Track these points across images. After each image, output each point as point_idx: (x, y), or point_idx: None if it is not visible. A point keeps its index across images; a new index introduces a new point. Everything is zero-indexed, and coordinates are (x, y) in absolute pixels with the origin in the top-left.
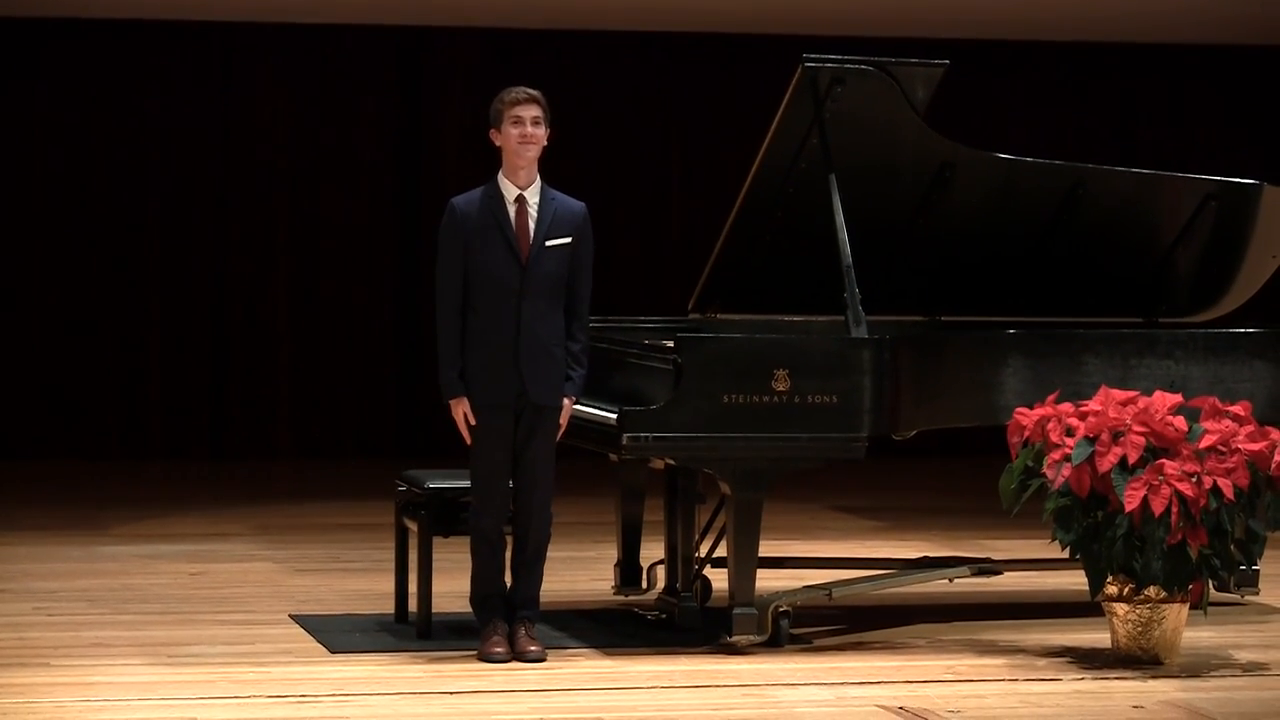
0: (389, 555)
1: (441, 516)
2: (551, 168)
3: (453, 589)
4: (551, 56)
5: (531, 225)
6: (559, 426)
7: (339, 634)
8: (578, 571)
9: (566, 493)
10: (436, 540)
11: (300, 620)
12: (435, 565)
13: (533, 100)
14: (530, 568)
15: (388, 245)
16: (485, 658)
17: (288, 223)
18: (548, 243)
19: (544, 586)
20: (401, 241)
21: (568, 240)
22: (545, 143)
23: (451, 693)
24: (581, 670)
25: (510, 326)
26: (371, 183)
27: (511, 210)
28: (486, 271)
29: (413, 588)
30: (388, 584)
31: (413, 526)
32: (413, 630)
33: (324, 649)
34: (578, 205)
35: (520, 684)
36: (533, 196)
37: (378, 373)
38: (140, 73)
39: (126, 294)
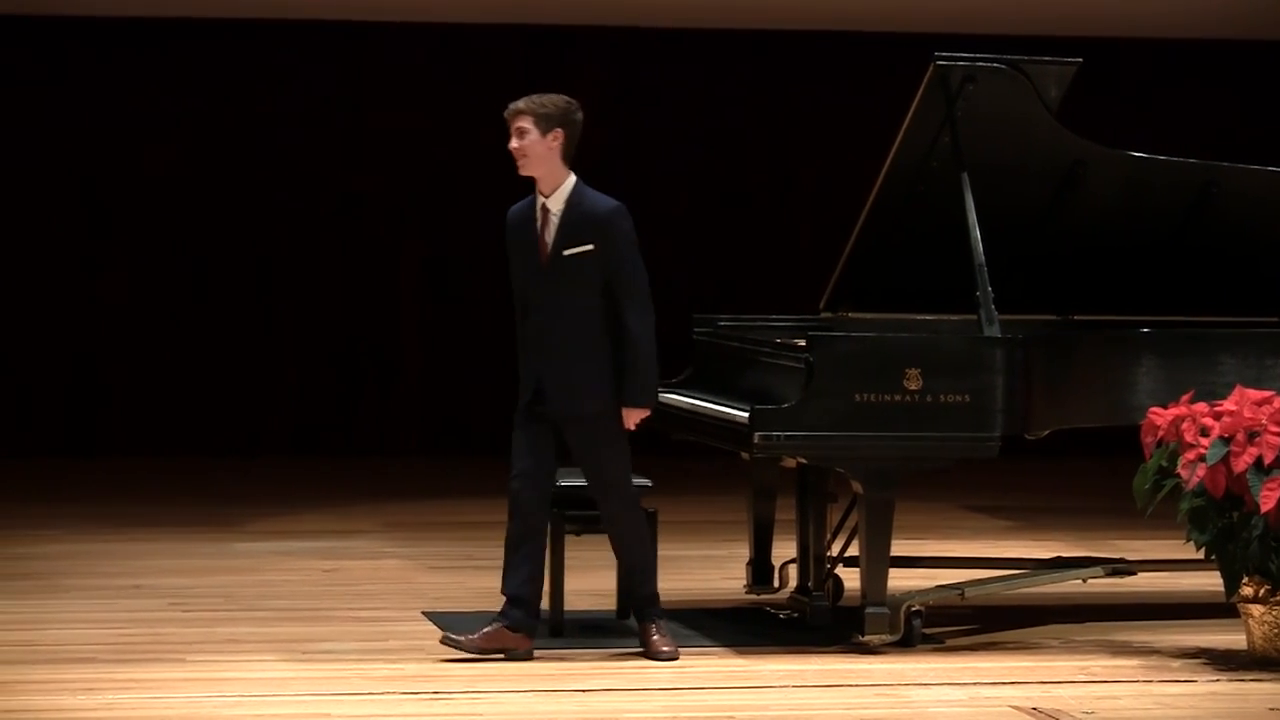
0: None
1: (574, 514)
2: (676, 166)
3: (584, 586)
4: (671, 55)
5: (550, 234)
6: (615, 435)
7: (472, 630)
8: (710, 570)
9: (698, 491)
10: (569, 538)
11: (433, 617)
12: (567, 563)
13: (513, 114)
14: (633, 573)
15: None
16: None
17: (417, 221)
18: (565, 252)
19: (675, 585)
20: None
21: (588, 247)
22: (539, 149)
23: (583, 690)
24: (713, 669)
25: (535, 336)
26: (498, 182)
27: (539, 219)
28: (520, 280)
29: (546, 585)
30: None
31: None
32: (545, 627)
33: None
34: (603, 207)
35: (652, 682)
36: (555, 204)
37: (508, 370)
38: (266, 71)
39: (257, 292)
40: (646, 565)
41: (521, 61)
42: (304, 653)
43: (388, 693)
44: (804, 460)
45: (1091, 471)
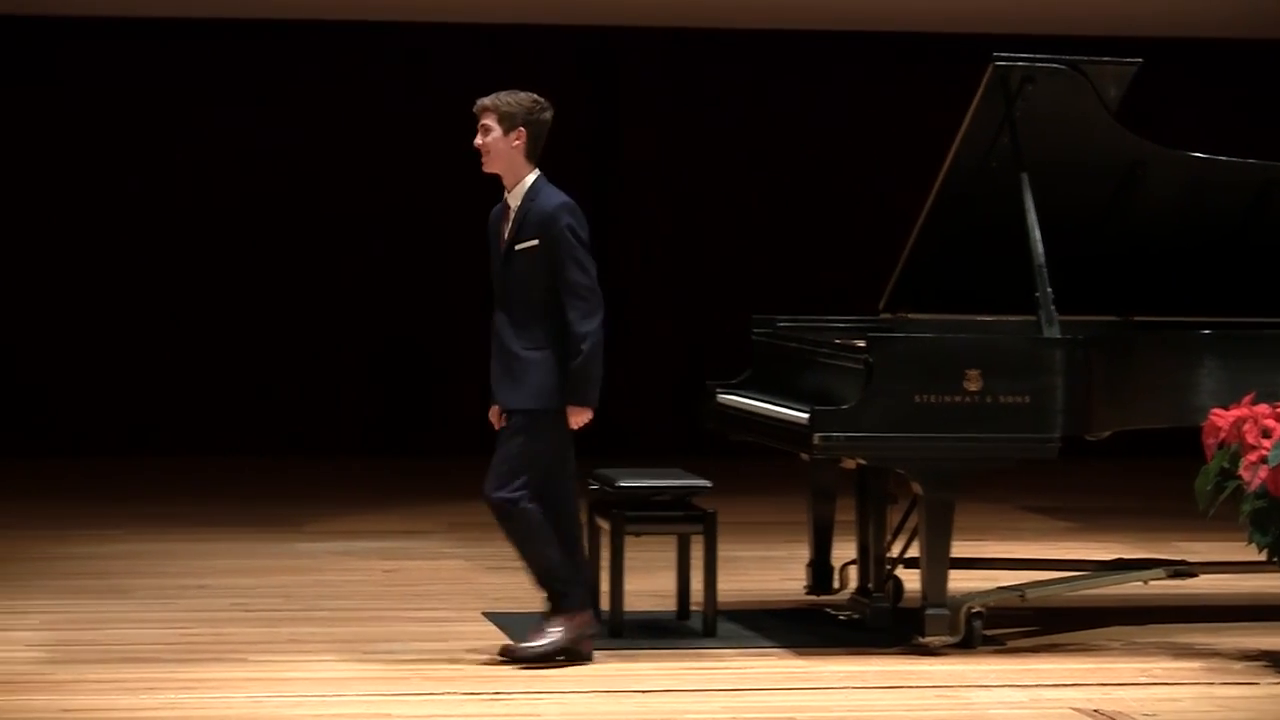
0: None
1: (634, 515)
2: (734, 168)
3: (645, 587)
4: (729, 56)
5: (507, 229)
6: (534, 433)
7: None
8: (769, 571)
9: (757, 493)
10: (629, 539)
11: (493, 617)
12: (627, 563)
13: (479, 110)
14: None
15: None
16: None
17: (478, 221)
18: (516, 247)
19: (734, 586)
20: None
21: (534, 243)
22: (500, 147)
23: (644, 691)
24: (774, 670)
25: (493, 330)
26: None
27: (505, 216)
28: (492, 275)
29: (605, 586)
30: None
31: (604, 525)
32: (604, 627)
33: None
34: (550, 204)
35: (712, 683)
36: (515, 200)
37: None
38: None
39: (319, 291)
40: (532, 565)
41: (574, 62)
42: (365, 653)
43: (448, 693)
44: (863, 461)
45: (1152, 473)
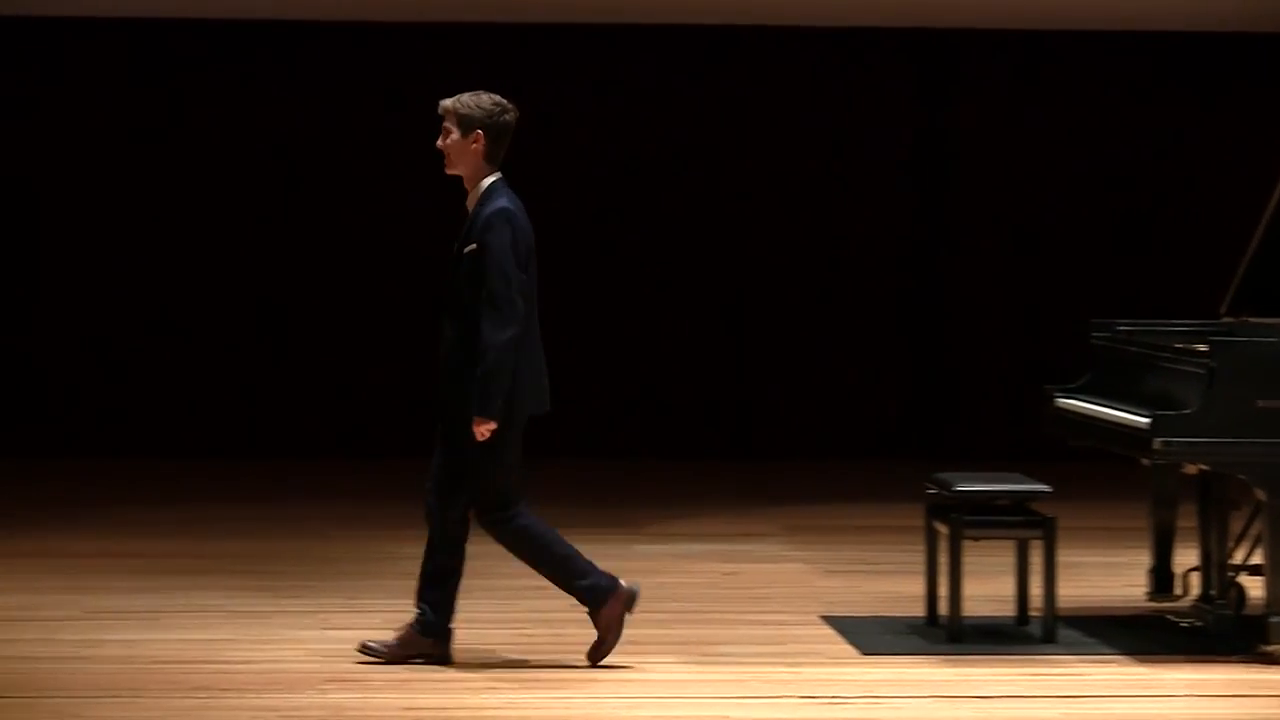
0: (919, 557)
1: (972, 519)
2: (1079, 171)
3: (984, 592)
4: (1065, 57)
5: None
6: (470, 440)
7: (870, 635)
8: (1110, 577)
9: (1098, 498)
10: (967, 543)
11: (832, 621)
12: (966, 568)
13: (441, 112)
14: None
15: (906, 248)
16: None
17: (809, 222)
18: (464, 250)
19: (1074, 592)
20: (921, 244)
21: (473, 247)
22: (458, 149)
23: (982, 696)
24: (1114, 676)
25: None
26: (889, 188)
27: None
28: None
29: (943, 590)
30: (918, 586)
31: (942, 529)
32: (943, 633)
33: (855, 650)
34: (488, 210)
35: (1051, 689)
36: (470, 203)
37: (899, 373)
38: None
39: (655, 295)
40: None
41: (908, 62)
42: (703, 655)
43: (786, 696)
44: (1205, 467)
45: None
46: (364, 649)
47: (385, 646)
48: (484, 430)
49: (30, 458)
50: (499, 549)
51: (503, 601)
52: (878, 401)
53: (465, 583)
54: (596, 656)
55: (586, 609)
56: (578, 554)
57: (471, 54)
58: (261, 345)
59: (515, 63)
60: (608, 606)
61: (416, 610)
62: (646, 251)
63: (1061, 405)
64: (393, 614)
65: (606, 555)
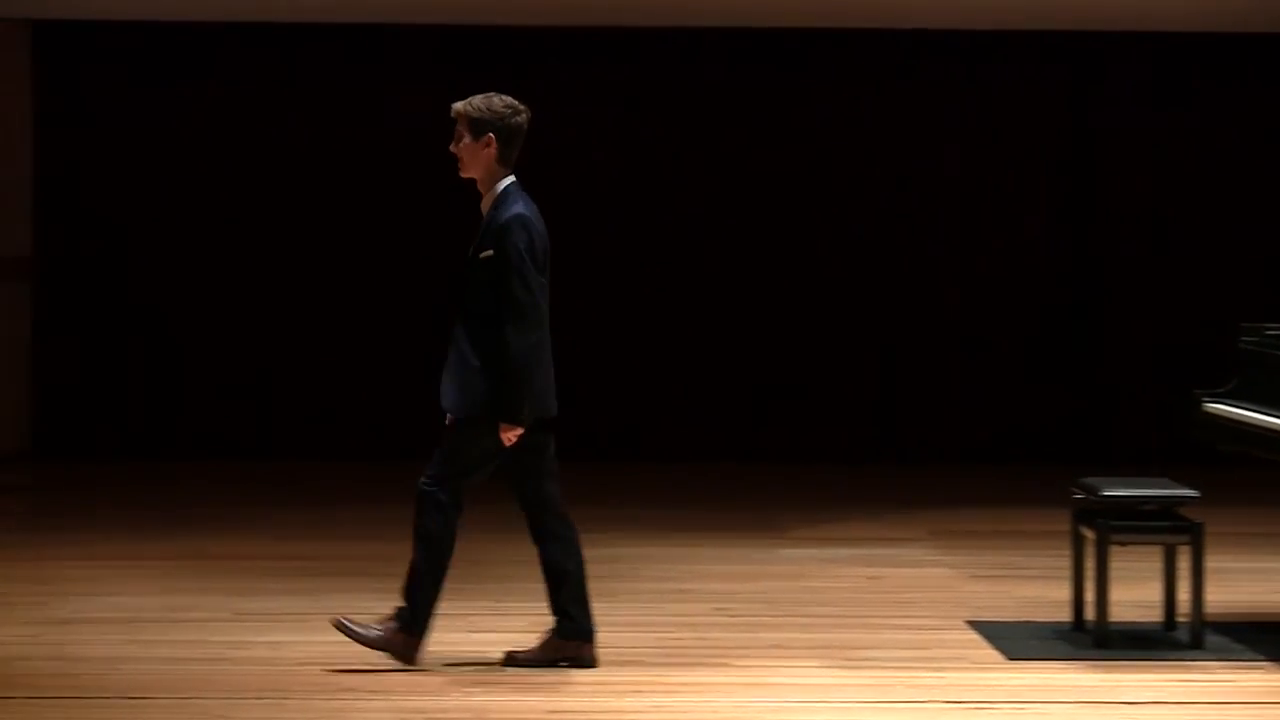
0: (1065, 563)
1: (1119, 524)
2: (1210, 172)
3: (1130, 597)
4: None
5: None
6: (463, 439)
7: (1016, 641)
8: (1258, 583)
9: (1247, 503)
10: (1114, 548)
11: (977, 626)
12: (1113, 573)
13: (453, 115)
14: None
15: (1057, 254)
16: None
17: (961, 226)
18: (479, 255)
19: (1222, 598)
20: (1070, 248)
21: (489, 253)
22: (471, 153)
23: (1129, 703)
24: (1262, 684)
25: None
26: (1037, 193)
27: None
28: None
29: (1089, 595)
30: (1064, 591)
31: (1089, 534)
32: (1089, 638)
33: (1001, 656)
34: (505, 216)
35: (1199, 696)
36: (485, 206)
37: (1046, 377)
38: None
39: (802, 298)
40: (412, 564)
41: (1060, 62)
42: (847, 659)
43: (931, 701)
44: None
45: None
46: (508, 659)
47: (528, 653)
48: (511, 436)
49: (179, 460)
50: (640, 553)
51: (647, 605)
52: (1024, 405)
53: (609, 585)
54: (366, 642)
55: (395, 621)
56: (439, 587)
57: (498, 55)
58: (414, 352)
59: (535, 66)
60: (405, 635)
61: (553, 616)
62: (791, 256)
63: (1210, 410)
64: (537, 618)
65: (751, 559)
